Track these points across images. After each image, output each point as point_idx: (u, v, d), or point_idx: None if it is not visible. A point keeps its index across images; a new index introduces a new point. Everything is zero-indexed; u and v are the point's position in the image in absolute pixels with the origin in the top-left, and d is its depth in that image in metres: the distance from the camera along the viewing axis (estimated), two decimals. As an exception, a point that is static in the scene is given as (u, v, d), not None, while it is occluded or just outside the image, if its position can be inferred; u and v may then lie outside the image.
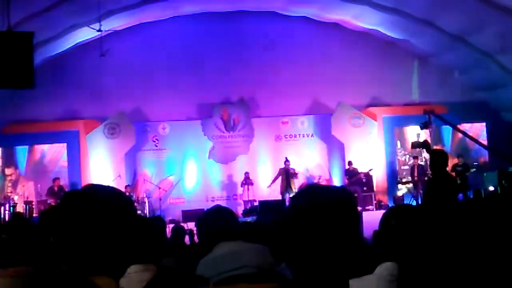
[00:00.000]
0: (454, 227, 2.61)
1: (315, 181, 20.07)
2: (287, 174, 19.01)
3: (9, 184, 19.17)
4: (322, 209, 1.85)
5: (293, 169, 19.14)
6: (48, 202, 17.44)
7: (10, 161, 19.49)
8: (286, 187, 18.79)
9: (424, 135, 18.36)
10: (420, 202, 17.32)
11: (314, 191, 1.95)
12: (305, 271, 1.84)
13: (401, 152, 20.84)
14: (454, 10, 16.64)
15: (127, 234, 1.96)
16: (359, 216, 2.05)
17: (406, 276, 2.46)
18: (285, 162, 19.19)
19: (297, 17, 20.49)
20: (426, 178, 17.94)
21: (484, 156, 20.78)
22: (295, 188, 18.64)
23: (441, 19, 17.58)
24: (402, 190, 20.14)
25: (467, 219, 2.61)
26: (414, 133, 20.38)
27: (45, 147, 19.58)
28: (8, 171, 19.39)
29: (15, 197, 18.15)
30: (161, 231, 4.07)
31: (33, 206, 17.71)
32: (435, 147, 14.41)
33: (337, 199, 1.90)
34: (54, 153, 19.62)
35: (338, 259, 1.83)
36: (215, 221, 4.70)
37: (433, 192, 7.77)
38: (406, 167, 20.60)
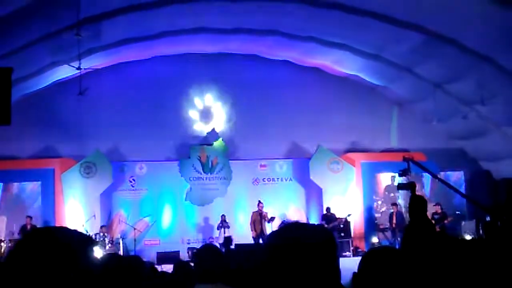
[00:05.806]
0: (434, 270, 2.53)
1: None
2: (260, 217, 18.76)
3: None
4: (301, 248, 1.75)
5: (266, 213, 18.90)
6: (20, 241, 16.97)
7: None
8: (259, 230, 18.54)
9: (400, 180, 18.37)
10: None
11: (291, 229, 1.84)
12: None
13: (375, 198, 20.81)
14: (434, 58, 16.78)
15: (81, 273, 1.82)
16: (338, 255, 1.95)
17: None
18: (258, 205, 18.98)
19: (278, 61, 20.59)
20: (404, 225, 17.86)
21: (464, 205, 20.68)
22: (267, 232, 18.29)
23: (421, 66, 17.74)
24: (378, 236, 19.94)
25: (446, 262, 2.53)
26: (387, 179, 20.37)
27: (22, 184, 19.23)
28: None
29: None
30: (137, 270, 3.92)
31: (3, 244, 17.26)
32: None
33: (316, 237, 1.80)
34: (30, 190, 19.28)
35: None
36: (206, 260, 4.59)
37: (411, 236, 7.68)
38: (378, 214, 20.52)
